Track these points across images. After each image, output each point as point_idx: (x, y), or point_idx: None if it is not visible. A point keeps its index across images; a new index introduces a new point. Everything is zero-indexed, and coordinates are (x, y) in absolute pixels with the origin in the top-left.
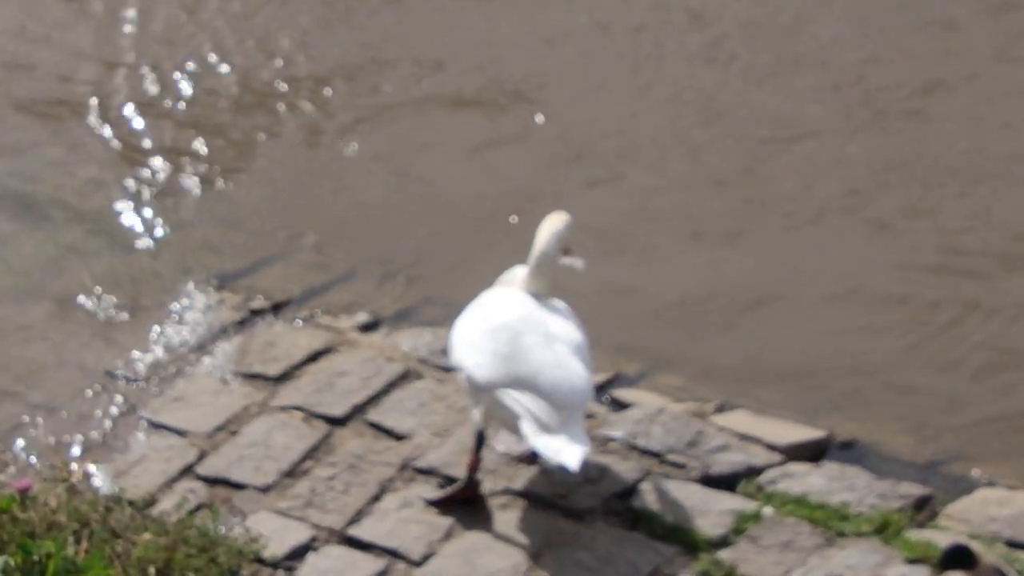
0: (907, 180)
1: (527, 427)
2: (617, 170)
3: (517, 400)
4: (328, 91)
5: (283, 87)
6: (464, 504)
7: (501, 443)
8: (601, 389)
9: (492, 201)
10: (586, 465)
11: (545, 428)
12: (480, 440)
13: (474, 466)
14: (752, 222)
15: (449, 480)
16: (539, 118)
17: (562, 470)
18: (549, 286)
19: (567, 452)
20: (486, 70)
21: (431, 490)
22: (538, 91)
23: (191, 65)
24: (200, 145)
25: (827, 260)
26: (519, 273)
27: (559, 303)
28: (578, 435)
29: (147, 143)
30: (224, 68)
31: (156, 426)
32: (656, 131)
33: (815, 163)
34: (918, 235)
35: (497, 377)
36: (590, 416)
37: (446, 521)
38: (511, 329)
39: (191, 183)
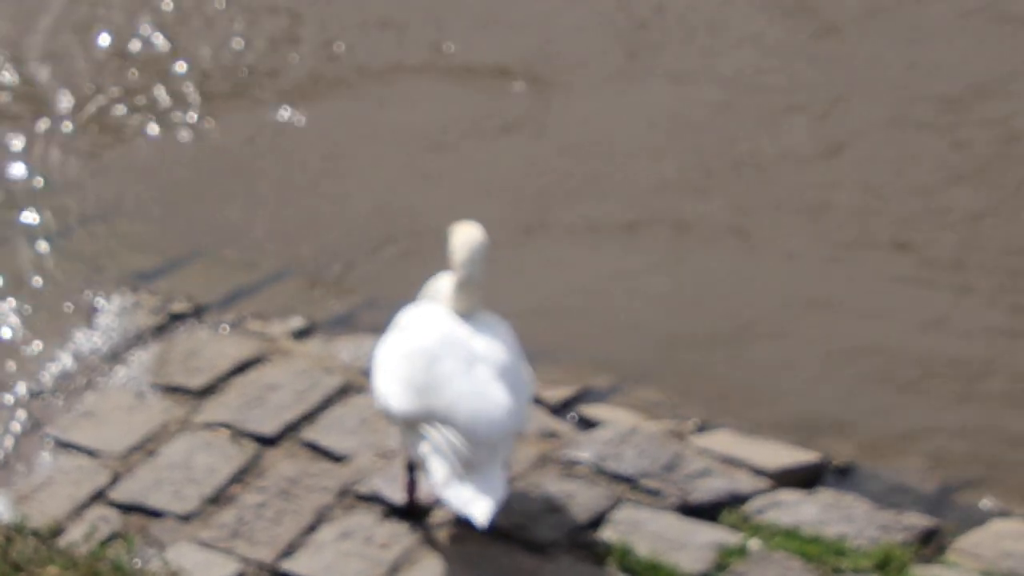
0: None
1: (436, 470)
2: (605, 167)
3: (431, 437)
4: (273, 63)
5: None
6: (410, 518)
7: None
8: (566, 405)
9: (449, 192)
10: (548, 493)
11: (457, 472)
12: (411, 467)
13: (411, 487)
14: (747, 222)
15: (394, 509)
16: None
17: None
18: (476, 303)
19: (475, 505)
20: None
21: (374, 520)
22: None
23: (104, 39)
24: (110, 126)
25: (824, 268)
26: (445, 285)
27: (491, 317)
28: (492, 482)
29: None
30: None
31: (63, 445)
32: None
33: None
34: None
35: (412, 409)
36: (552, 435)
37: (391, 554)
38: (428, 354)
39: (99, 171)
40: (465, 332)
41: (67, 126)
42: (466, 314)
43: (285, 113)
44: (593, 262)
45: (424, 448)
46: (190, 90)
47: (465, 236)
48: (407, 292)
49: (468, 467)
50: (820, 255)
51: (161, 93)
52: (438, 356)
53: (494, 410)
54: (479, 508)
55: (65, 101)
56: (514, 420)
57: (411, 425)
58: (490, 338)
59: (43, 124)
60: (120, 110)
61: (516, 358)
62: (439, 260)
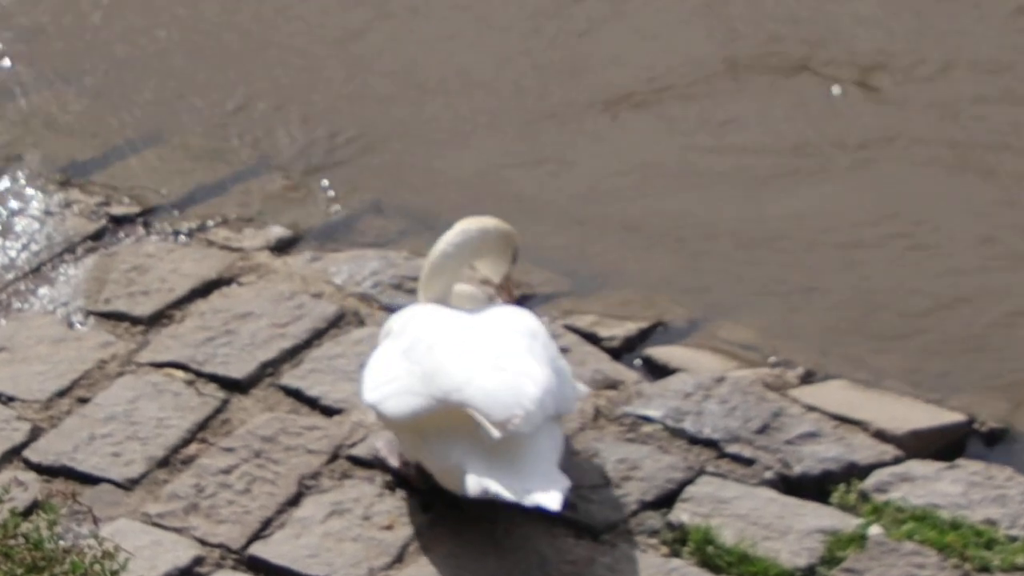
0: None
1: (467, 466)
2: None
3: (443, 433)
4: None
5: None
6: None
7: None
8: (631, 347)
9: (475, 72)
10: (605, 461)
11: (487, 463)
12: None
13: (412, 477)
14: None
15: (401, 477)
16: None
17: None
18: (443, 295)
19: (538, 496)
20: None
21: (374, 492)
22: None
23: None
24: None
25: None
26: (460, 288)
27: (507, 308)
28: (545, 468)
29: None
30: None
31: None
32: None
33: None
34: None
35: (421, 405)
36: (612, 386)
37: (397, 538)
38: (428, 340)
39: (18, 32)
40: (464, 316)
41: None
42: (437, 300)
43: None
44: (669, 157)
45: (446, 456)
46: None
47: (471, 221)
48: (420, 194)
49: (492, 458)
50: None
51: None
52: (440, 339)
53: (524, 383)
54: (546, 496)
55: None
56: (551, 393)
57: (421, 431)
58: (508, 319)
59: None
60: None
61: (542, 330)
62: (458, 156)
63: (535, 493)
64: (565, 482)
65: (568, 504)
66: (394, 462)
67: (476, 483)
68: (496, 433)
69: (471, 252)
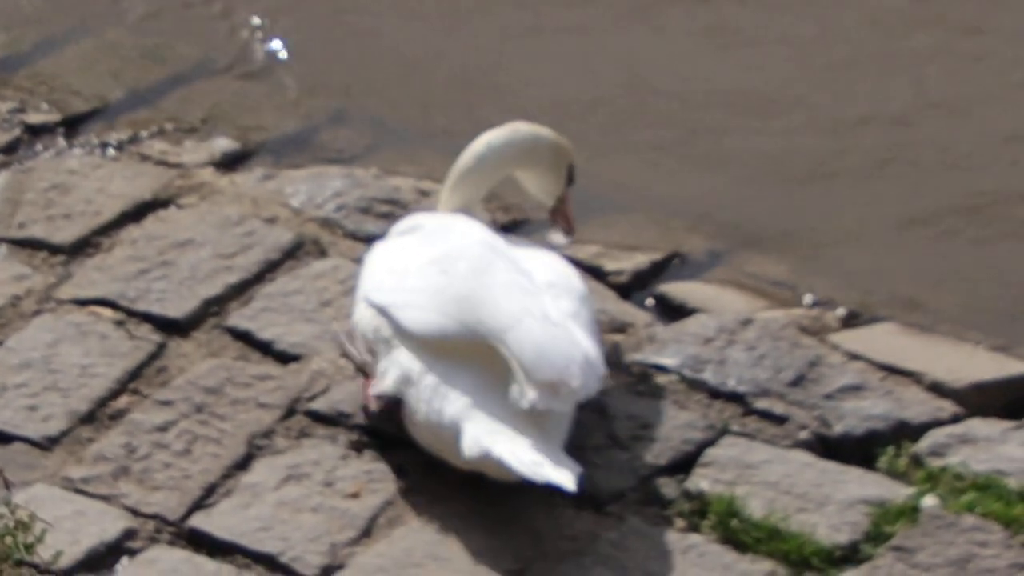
0: None
1: (474, 422)
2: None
3: (451, 370)
4: None
5: None
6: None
7: None
8: (643, 282)
9: None
10: (612, 418)
11: (510, 422)
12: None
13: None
14: None
15: (370, 434)
16: None
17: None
18: (470, 205)
19: (552, 471)
20: None
21: (338, 453)
22: None
23: None
24: None
25: None
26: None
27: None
28: (551, 451)
29: None
30: None
31: None
32: None
33: None
34: None
35: (445, 328)
36: (621, 328)
37: (365, 508)
38: (471, 258)
39: None
40: (514, 248)
41: None
42: (465, 210)
43: None
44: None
45: (455, 400)
46: None
47: (521, 124)
48: (392, 100)
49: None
50: None
51: None
52: (484, 261)
53: (574, 347)
54: (560, 474)
55: None
56: (597, 371)
57: (439, 355)
58: (550, 263)
59: None
60: None
61: (588, 294)
62: (439, 49)
63: (547, 468)
64: (577, 467)
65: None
66: (360, 355)
67: (475, 443)
68: (531, 397)
69: (515, 158)
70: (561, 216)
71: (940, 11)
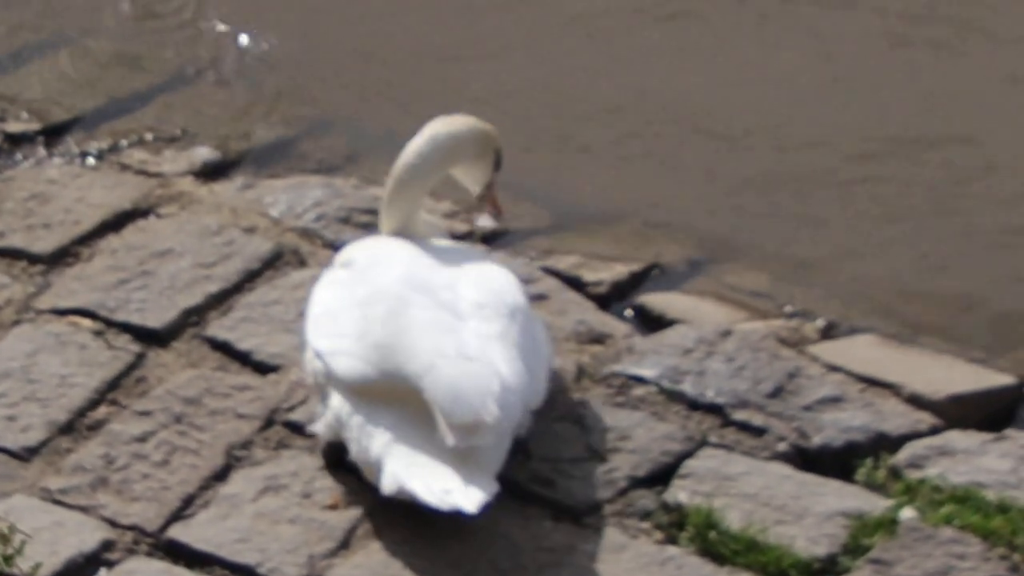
0: None
1: (394, 459)
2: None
3: (391, 419)
4: None
5: None
6: None
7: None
8: (621, 293)
9: None
10: (589, 429)
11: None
12: (334, 456)
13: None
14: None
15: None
16: None
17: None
18: (408, 220)
19: (458, 495)
20: None
21: (316, 464)
22: None
23: None
24: None
25: None
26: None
27: (475, 250)
28: (486, 464)
29: None
30: None
31: None
32: None
33: None
34: None
35: (367, 373)
36: (598, 340)
37: (343, 520)
38: (391, 297)
39: None
40: (441, 270)
41: None
42: (405, 234)
43: None
44: (665, 73)
45: (379, 437)
46: None
47: (439, 124)
48: (373, 109)
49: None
50: None
51: None
52: (402, 299)
53: (489, 381)
54: (466, 497)
55: None
56: (522, 396)
57: (365, 398)
58: (483, 278)
59: None
60: None
61: (524, 304)
62: (417, 60)
63: (454, 494)
64: (494, 486)
65: (549, 482)
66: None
67: (392, 479)
68: (451, 440)
69: (442, 161)
70: (489, 201)
71: (915, 32)
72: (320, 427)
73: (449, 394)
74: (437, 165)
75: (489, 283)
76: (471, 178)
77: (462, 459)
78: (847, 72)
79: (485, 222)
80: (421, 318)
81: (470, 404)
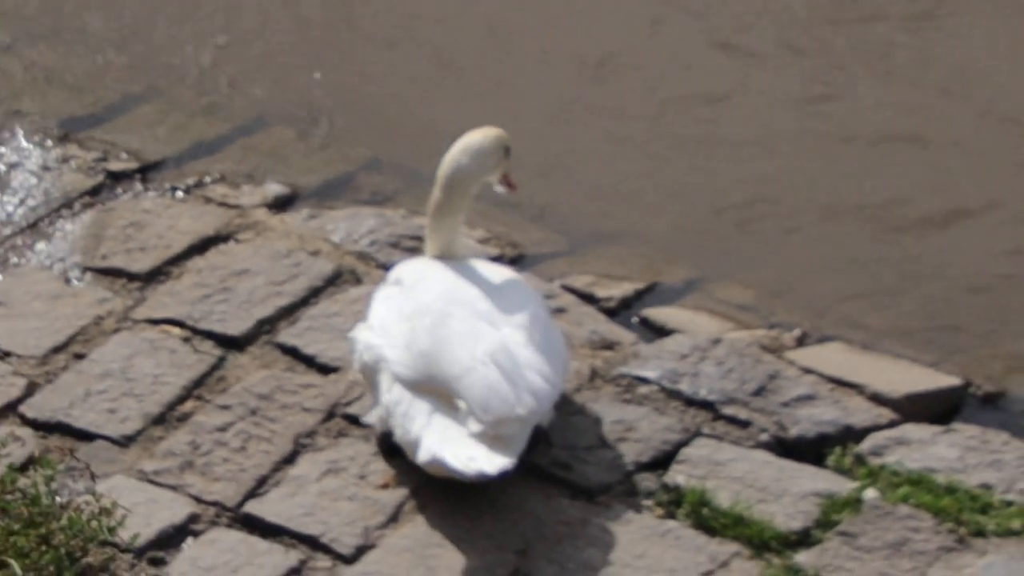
0: None
1: (432, 433)
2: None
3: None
4: None
5: None
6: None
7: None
8: (628, 306)
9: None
10: (600, 422)
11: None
12: (386, 443)
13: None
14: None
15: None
16: None
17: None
18: (450, 244)
19: (484, 460)
20: None
21: (370, 450)
22: None
23: None
24: None
25: None
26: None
27: (503, 269)
28: (508, 446)
29: None
30: None
31: None
32: None
33: None
34: None
35: (412, 376)
36: (608, 346)
37: (393, 497)
38: (431, 315)
39: None
40: (476, 287)
41: None
42: (446, 256)
43: None
44: (664, 124)
45: (419, 420)
46: None
47: (456, 156)
48: (424, 151)
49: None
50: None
51: None
52: (445, 316)
53: (517, 383)
54: (489, 462)
55: None
56: (547, 394)
57: (409, 393)
58: (512, 292)
59: None
60: None
61: (545, 315)
62: (456, 111)
63: (478, 460)
64: (514, 460)
65: (567, 466)
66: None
67: (427, 451)
68: (476, 428)
69: (473, 176)
70: (504, 182)
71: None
72: (373, 418)
73: (481, 395)
74: (468, 183)
75: (517, 297)
76: (493, 176)
77: (489, 441)
78: (824, 87)
79: (501, 190)
80: (459, 330)
81: (500, 403)
